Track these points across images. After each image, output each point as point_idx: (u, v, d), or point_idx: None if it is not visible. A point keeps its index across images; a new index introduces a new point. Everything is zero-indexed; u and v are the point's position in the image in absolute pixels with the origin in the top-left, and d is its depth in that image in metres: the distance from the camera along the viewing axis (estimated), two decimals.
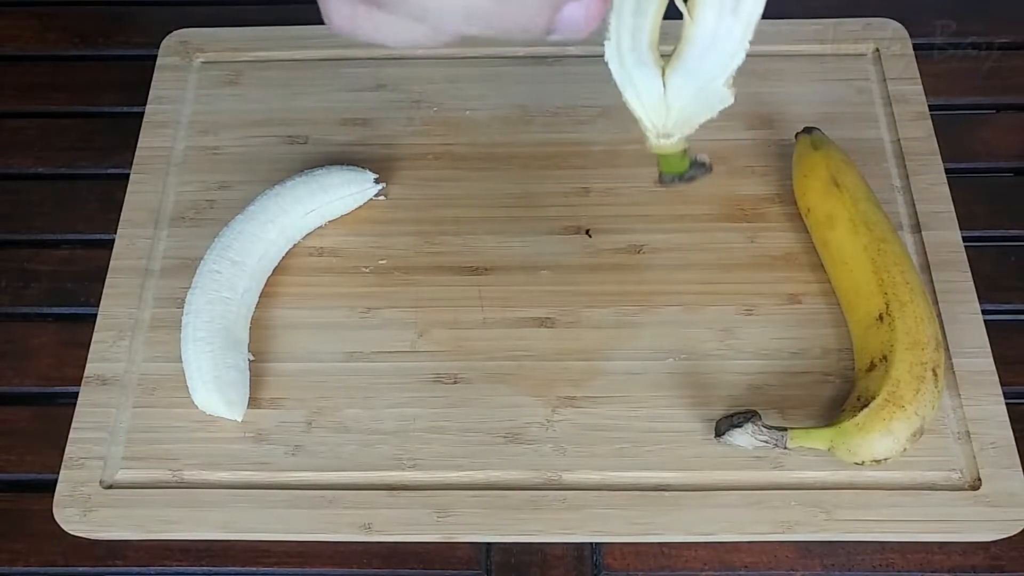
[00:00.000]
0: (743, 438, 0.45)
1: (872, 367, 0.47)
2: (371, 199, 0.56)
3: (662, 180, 0.38)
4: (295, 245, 0.54)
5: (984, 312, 0.52)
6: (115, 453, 0.49)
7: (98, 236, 0.57)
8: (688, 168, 0.37)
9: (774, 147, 0.57)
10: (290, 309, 0.53)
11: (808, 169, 0.53)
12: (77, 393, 0.51)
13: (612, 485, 0.48)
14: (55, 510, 0.47)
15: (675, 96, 0.34)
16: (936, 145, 0.57)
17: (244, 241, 0.51)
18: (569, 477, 0.48)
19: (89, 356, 0.52)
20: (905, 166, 0.56)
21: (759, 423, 0.45)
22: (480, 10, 0.28)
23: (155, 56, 0.63)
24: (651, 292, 0.53)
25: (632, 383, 0.50)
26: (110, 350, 0.52)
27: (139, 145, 0.59)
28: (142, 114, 0.60)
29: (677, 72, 0.33)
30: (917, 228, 0.54)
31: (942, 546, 0.47)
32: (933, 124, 0.58)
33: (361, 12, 0.30)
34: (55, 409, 0.51)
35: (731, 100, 0.34)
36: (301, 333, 0.52)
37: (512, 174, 0.57)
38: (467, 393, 0.50)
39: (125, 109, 0.62)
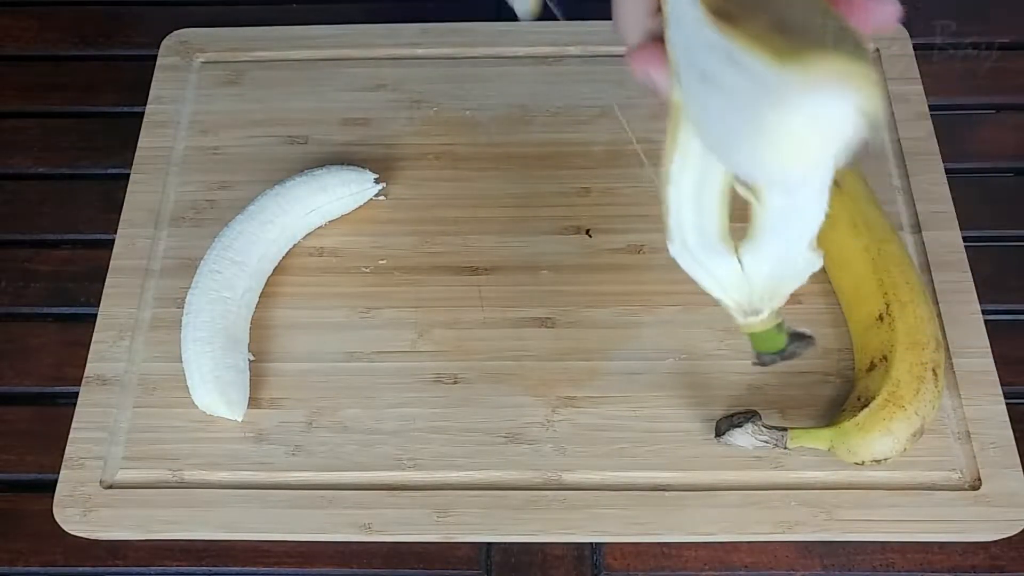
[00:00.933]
0: (743, 438, 0.45)
1: (872, 367, 0.47)
2: (371, 199, 0.56)
3: (760, 360, 0.35)
4: (295, 245, 0.54)
5: (984, 312, 0.52)
6: (115, 453, 0.49)
7: (98, 236, 0.57)
8: (787, 344, 0.34)
9: None
10: (290, 309, 0.53)
11: None
12: (77, 393, 0.51)
13: (612, 485, 0.48)
14: (55, 510, 0.47)
15: (755, 271, 0.31)
16: (936, 145, 0.57)
17: (244, 241, 0.51)
18: (569, 477, 0.48)
19: (89, 356, 0.52)
20: (905, 166, 0.56)
21: (759, 423, 0.45)
22: None
23: (155, 56, 0.63)
24: (651, 292, 0.53)
25: (632, 383, 0.50)
26: (110, 350, 0.52)
27: (139, 145, 0.59)
28: (142, 114, 0.60)
29: (753, 250, 0.31)
30: (917, 228, 0.54)
31: (942, 546, 0.47)
32: (933, 124, 0.58)
33: None
34: (55, 409, 0.51)
35: (820, 263, 0.31)
36: (301, 333, 0.52)
37: (512, 174, 0.57)
38: (467, 393, 0.50)
39: (125, 109, 0.62)
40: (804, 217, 0.30)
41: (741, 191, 0.29)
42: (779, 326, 0.34)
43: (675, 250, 0.31)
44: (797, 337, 0.35)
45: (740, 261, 0.31)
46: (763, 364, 0.35)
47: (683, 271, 0.33)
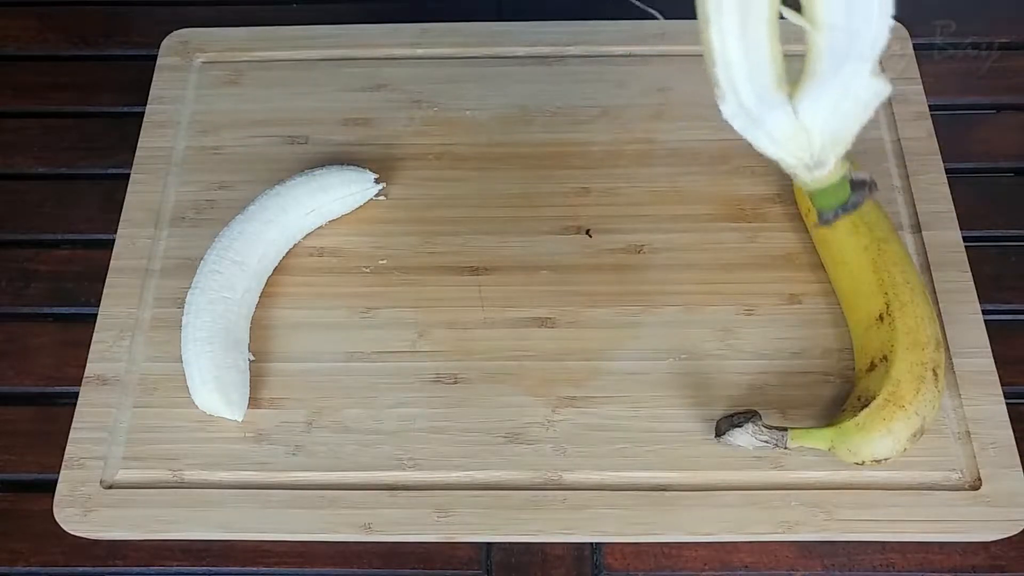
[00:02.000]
0: (743, 438, 0.45)
1: (872, 367, 0.47)
2: (371, 199, 0.56)
3: (823, 219, 0.33)
4: (295, 245, 0.54)
5: (984, 312, 0.52)
6: (115, 453, 0.49)
7: (98, 236, 0.57)
8: (850, 194, 0.32)
9: None
10: (290, 309, 0.53)
11: None
12: (77, 393, 0.51)
13: (612, 485, 0.48)
14: (55, 510, 0.47)
15: (811, 119, 0.29)
16: (936, 145, 0.57)
17: (244, 241, 0.51)
18: (569, 477, 0.48)
19: (89, 356, 0.52)
20: (905, 166, 0.56)
21: (759, 423, 0.45)
22: None
23: (155, 56, 0.63)
24: (651, 292, 0.53)
25: (632, 383, 0.50)
26: (110, 350, 0.52)
27: (139, 145, 0.59)
28: (142, 114, 0.60)
29: (807, 94, 0.29)
30: (917, 228, 0.54)
31: (942, 546, 0.47)
32: (933, 124, 0.58)
33: None
34: (55, 409, 0.52)
35: (889, 88, 0.29)
36: (301, 333, 0.52)
37: (512, 174, 0.57)
38: (467, 393, 0.50)
39: (125, 109, 0.62)
40: (867, 36, 0.28)
41: (792, 17, 0.28)
42: (842, 175, 0.32)
43: (728, 111, 0.29)
44: (858, 185, 0.32)
45: (795, 110, 0.29)
46: (826, 222, 0.33)
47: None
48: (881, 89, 0.29)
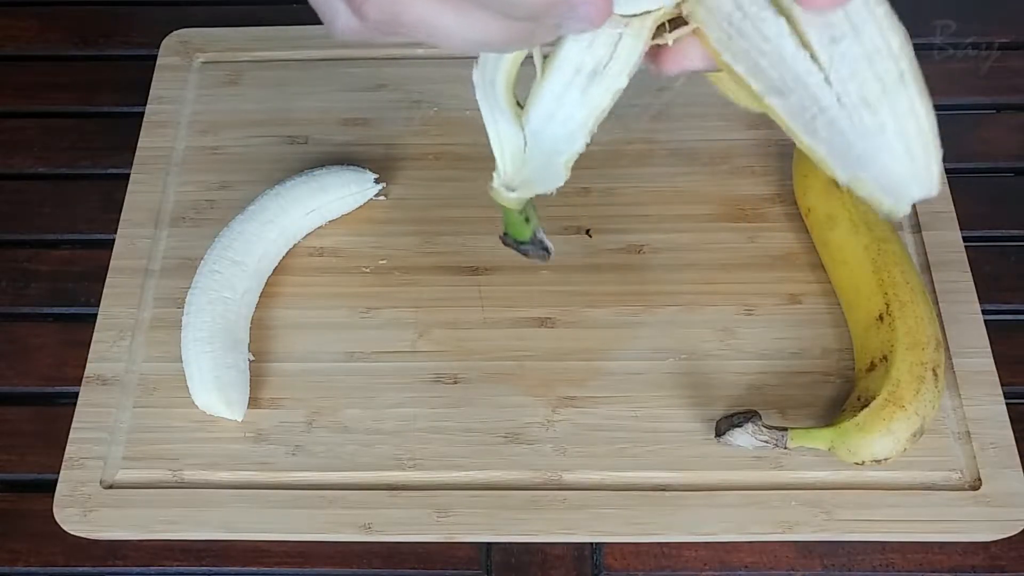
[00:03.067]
0: (743, 438, 0.45)
1: (872, 367, 0.47)
2: (371, 199, 0.56)
3: (504, 240, 0.35)
4: (295, 245, 0.54)
5: (984, 312, 0.52)
6: (115, 453, 0.49)
7: (98, 236, 0.57)
8: (528, 240, 0.34)
9: (774, 147, 0.57)
10: (290, 309, 0.53)
11: (808, 169, 0.53)
12: (77, 393, 0.51)
13: (612, 485, 0.48)
14: (55, 510, 0.47)
15: (532, 153, 0.31)
16: None
17: (244, 241, 0.51)
18: (569, 477, 0.48)
19: (89, 356, 0.52)
20: None
21: (759, 423, 0.45)
22: None
23: (155, 56, 0.63)
24: (651, 292, 0.53)
25: (632, 383, 0.50)
26: (110, 350, 0.52)
27: (139, 145, 0.59)
28: (142, 114, 0.60)
29: (528, 129, 0.30)
30: (917, 228, 0.54)
31: (942, 546, 0.47)
32: None
33: (403, 6, 0.24)
34: (55, 409, 0.51)
35: (560, 182, 0.30)
36: (301, 333, 0.52)
37: None
38: (467, 393, 0.50)
39: (125, 109, 0.62)
40: (567, 128, 0.29)
41: (536, 56, 0.28)
42: (527, 220, 0.34)
43: (477, 77, 0.30)
44: (538, 243, 0.34)
45: (524, 137, 0.30)
46: (505, 244, 0.35)
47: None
48: (558, 178, 0.30)
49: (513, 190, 0.32)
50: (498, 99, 0.30)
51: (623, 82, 0.28)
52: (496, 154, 0.32)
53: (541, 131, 0.30)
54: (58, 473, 0.48)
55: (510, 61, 0.29)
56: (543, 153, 0.30)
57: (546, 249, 0.34)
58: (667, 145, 0.58)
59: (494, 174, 0.32)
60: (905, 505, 0.46)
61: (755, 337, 0.51)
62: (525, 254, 0.35)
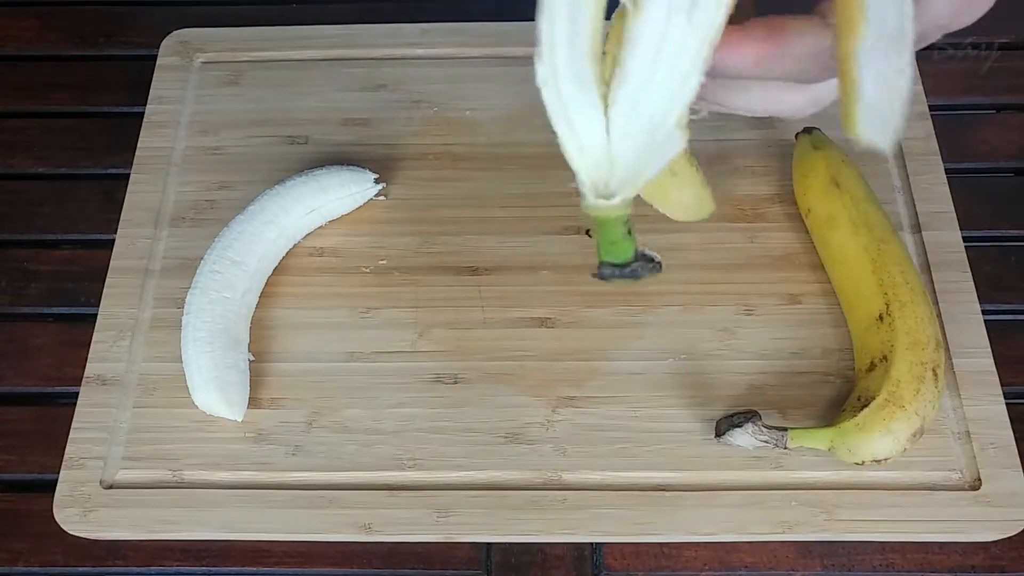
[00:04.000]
0: (743, 438, 0.45)
1: (872, 367, 0.47)
2: (371, 199, 0.56)
3: (601, 273, 0.30)
4: (295, 245, 0.54)
5: (984, 312, 0.52)
6: (115, 453, 0.49)
7: (98, 236, 0.57)
8: (632, 258, 0.31)
9: (774, 147, 0.57)
10: (290, 309, 0.53)
11: (808, 169, 0.53)
12: (77, 393, 0.51)
13: (612, 485, 0.48)
14: (55, 510, 0.47)
15: (620, 140, 0.27)
16: (936, 145, 0.57)
17: (244, 241, 0.51)
18: (569, 477, 0.48)
19: (89, 356, 0.52)
20: (905, 166, 0.56)
21: (759, 423, 0.45)
22: None
23: (155, 56, 0.63)
24: (651, 292, 0.53)
25: (632, 383, 0.50)
26: (110, 350, 0.52)
27: (139, 145, 0.59)
28: (142, 114, 0.60)
29: (621, 101, 0.27)
30: (917, 228, 0.54)
31: (942, 546, 0.47)
32: (933, 124, 0.58)
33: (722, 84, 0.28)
34: (55, 409, 0.51)
35: (682, 144, 0.27)
36: (301, 333, 0.52)
37: (512, 174, 0.57)
38: (467, 393, 0.50)
39: (125, 109, 0.62)
40: (677, 68, 0.26)
41: None
42: (629, 230, 0.30)
43: (542, 74, 0.26)
44: (645, 258, 0.31)
45: (608, 124, 0.27)
46: (603, 278, 0.30)
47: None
48: (677, 142, 0.27)
49: (611, 195, 0.28)
50: (583, 79, 0.26)
51: None
52: (574, 160, 0.28)
53: (642, 89, 0.26)
54: (58, 473, 0.48)
55: (590, 34, 0.25)
56: (645, 122, 0.26)
57: (655, 261, 0.31)
58: None
59: (585, 195, 0.28)
60: (905, 505, 0.46)
61: (755, 337, 0.51)
62: (635, 276, 0.30)
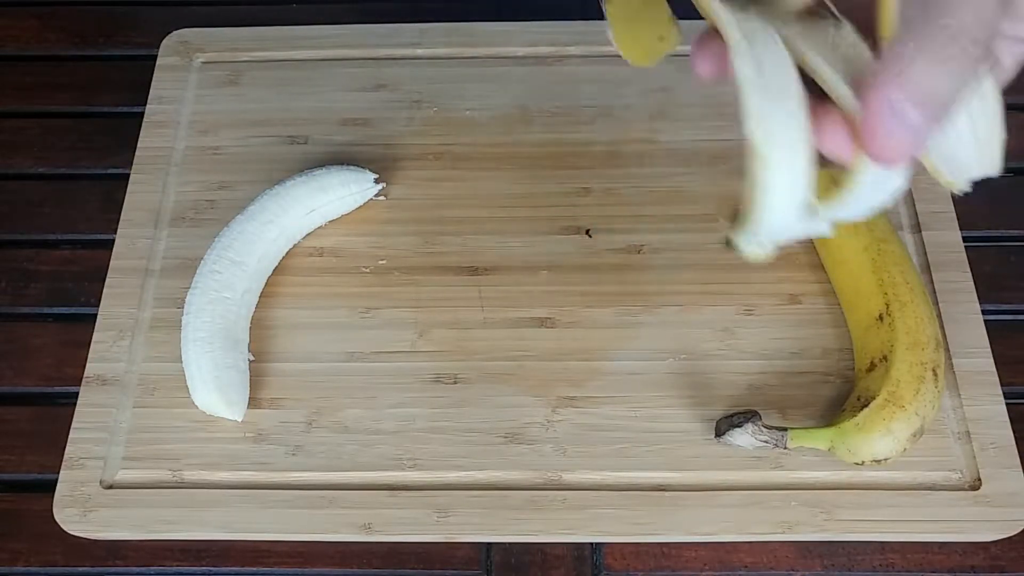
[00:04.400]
0: (743, 438, 0.45)
1: (872, 367, 0.47)
2: (371, 199, 0.56)
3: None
4: (295, 245, 0.54)
5: (984, 312, 0.52)
6: (115, 453, 0.49)
7: (98, 236, 0.57)
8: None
9: None
10: (290, 309, 0.53)
11: None
12: (77, 393, 0.51)
13: (612, 485, 0.48)
14: (55, 510, 0.47)
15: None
16: None
17: (244, 241, 0.51)
18: (569, 477, 0.48)
19: (89, 356, 0.52)
20: None
21: (759, 423, 0.45)
22: None
23: (155, 56, 0.63)
24: (651, 292, 0.53)
25: (632, 383, 0.50)
26: (110, 350, 0.52)
27: (139, 145, 0.59)
28: (142, 114, 0.60)
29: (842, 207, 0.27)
30: (917, 228, 0.54)
31: (942, 546, 0.47)
32: None
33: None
34: (55, 409, 0.51)
35: (826, 232, 0.27)
36: (301, 333, 0.52)
37: (512, 174, 0.57)
38: (467, 393, 0.50)
39: (125, 109, 0.62)
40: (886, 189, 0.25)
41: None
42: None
43: (746, 68, 0.25)
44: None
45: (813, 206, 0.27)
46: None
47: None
48: (820, 230, 0.27)
49: (765, 246, 0.27)
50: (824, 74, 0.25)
51: None
52: (765, 191, 0.25)
53: (853, 205, 0.25)
54: (58, 473, 0.48)
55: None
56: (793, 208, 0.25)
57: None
58: (667, 145, 0.58)
59: (748, 231, 0.26)
60: (905, 505, 0.46)
61: (755, 337, 0.51)
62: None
